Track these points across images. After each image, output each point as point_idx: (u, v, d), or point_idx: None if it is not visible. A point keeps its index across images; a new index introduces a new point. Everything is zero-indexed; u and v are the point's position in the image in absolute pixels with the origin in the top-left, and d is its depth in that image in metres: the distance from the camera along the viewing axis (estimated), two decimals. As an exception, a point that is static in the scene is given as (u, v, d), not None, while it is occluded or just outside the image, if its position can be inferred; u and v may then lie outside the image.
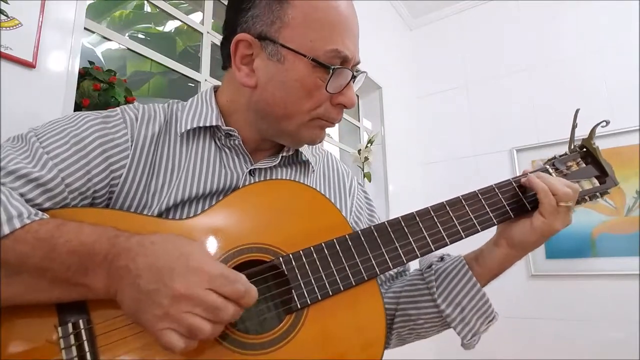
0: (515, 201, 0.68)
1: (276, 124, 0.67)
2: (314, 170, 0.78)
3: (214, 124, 0.67)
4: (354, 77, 0.66)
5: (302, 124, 0.66)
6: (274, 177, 0.71)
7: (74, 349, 0.47)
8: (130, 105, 0.68)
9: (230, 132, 0.67)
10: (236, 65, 0.66)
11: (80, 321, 0.48)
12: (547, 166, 0.72)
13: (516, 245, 0.67)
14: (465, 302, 0.67)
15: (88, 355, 0.47)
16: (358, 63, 0.68)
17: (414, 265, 0.77)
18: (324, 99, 0.65)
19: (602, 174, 0.72)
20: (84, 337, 0.47)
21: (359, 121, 2.75)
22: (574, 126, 0.75)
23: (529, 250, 0.67)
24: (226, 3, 0.72)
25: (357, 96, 2.67)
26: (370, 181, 2.57)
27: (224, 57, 0.70)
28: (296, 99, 0.64)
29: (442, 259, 0.74)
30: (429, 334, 0.73)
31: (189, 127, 0.66)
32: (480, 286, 0.68)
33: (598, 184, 0.72)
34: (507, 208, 0.67)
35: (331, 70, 0.62)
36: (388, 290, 0.77)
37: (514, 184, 0.69)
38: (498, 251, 0.68)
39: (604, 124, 0.74)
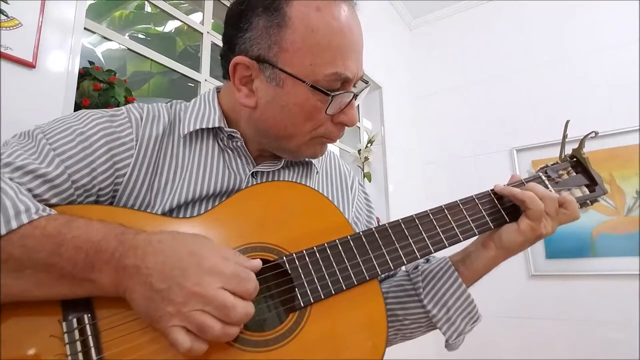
0: (510, 206, 0.70)
1: (276, 142, 0.67)
2: (317, 172, 0.78)
3: (216, 125, 0.67)
4: (355, 96, 0.64)
5: (302, 143, 0.66)
6: (276, 179, 0.71)
7: (78, 344, 0.47)
8: (135, 104, 0.68)
9: (233, 134, 0.68)
10: (235, 86, 0.65)
11: (85, 316, 0.49)
12: (540, 173, 0.75)
13: (504, 247, 0.68)
14: (451, 302, 0.68)
15: (92, 351, 0.47)
16: (361, 77, 0.66)
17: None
18: (324, 120, 0.64)
19: (592, 183, 0.75)
20: (89, 332, 0.48)
21: (359, 121, 2.76)
22: (564, 136, 0.78)
23: (516, 253, 0.69)
24: (226, 3, 0.71)
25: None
26: (370, 181, 2.57)
27: (224, 69, 0.69)
28: (296, 122, 0.63)
29: (427, 260, 0.75)
30: (414, 334, 0.74)
31: (191, 129, 0.66)
32: (465, 287, 0.69)
33: (588, 192, 0.74)
34: (503, 212, 0.69)
35: (330, 98, 0.61)
36: None
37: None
38: (486, 253, 0.69)
39: (593, 134, 0.76)
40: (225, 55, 0.67)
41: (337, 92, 0.61)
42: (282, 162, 0.72)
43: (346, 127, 0.68)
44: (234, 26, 0.64)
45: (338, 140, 0.71)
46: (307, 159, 0.75)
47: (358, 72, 0.64)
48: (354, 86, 0.65)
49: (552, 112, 2.58)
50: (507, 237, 0.67)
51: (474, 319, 0.70)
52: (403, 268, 0.78)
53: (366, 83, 0.69)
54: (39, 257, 0.47)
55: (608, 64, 2.48)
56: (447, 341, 0.70)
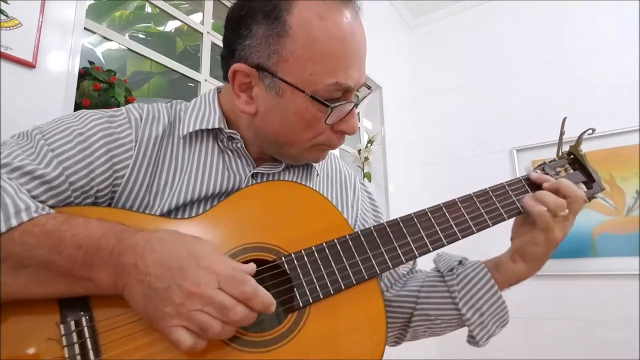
0: (509, 203, 0.70)
1: (277, 147, 0.68)
2: (318, 174, 0.78)
3: (216, 126, 0.66)
4: (356, 105, 0.64)
5: (303, 150, 0.66)
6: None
7: (76, 346, 0.47)
8: (135, 104, 0.67)
9: (233, 135, 0.67)
10: (235, 92, 0.65)
11: (83, 319, 0.49)
12: (538, 171, 0.75)
13: (530, 260, 0.68)
14: (485, 307, 0.69)
15: (90, 353, 0.47)
16: (364, 83, 0.65)
17: (422, 263, 0.78)
18: (324, 128, 0.64)
19: (589, 180, 0.75)
20: (87, 335, 0.48)
21: (359, 121, 2.75)
22: (562, 133, 0.78)
23: (542, 261, 0.69)
24: (226, 3, 0.71)
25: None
26: (370, 181, 2.57)
27: (224, 72, 0.68)
28: (296, 130, 0.63)
29: (460, 262, 0.75)
30: (444, 332, 0.76)
31: (191, 130, 0.66)
32: (500, 293, 0.70)
33: (586, 189, 0.74)
34: (501, 210, 0.69)
35: (330, 109, 0.60)
36: (403, 288, 0.78)
37: (507, 188, 0.71)
38: (515, 266, 0.69)
39: (590, 131, 0.77)
40: (225, 58, 0.67)
41: (337, 104, 0.61)
42: (283, 164, 0.72)
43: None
44: (233, 31, 0.64)
45: (338, 141, 0.71)
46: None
47: (360, 80, 0.63)
48: (358, 90, 0.65)
49: (552, 112, 2.58)
50: (528, 251, 0.68)
51: (505, 323, 0.72)
52: (433, 265, 0.79)
53: (369, 88, 0.69)
54: (39, 254, 0.47)
55: (608, 64, 2.48)
56: (475, 339, 0.70)
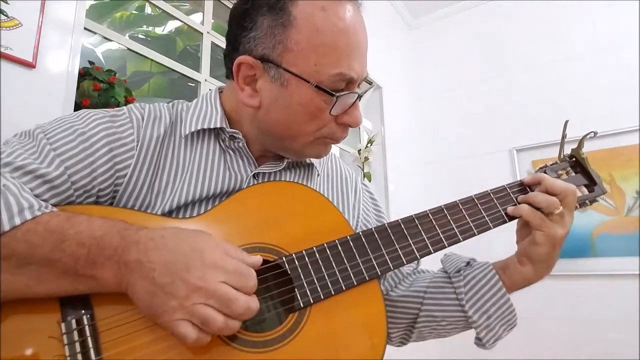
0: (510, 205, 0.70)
1: (280, 142, 0.67)
2: (319, 174, 0.78)
3: (218, 125, 0.66)
4: (359, 96, 0.64)
5: (306, 143, 0.66)
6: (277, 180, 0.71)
7: (77, 345, 0.47)
8: (136, 104, 0.68)
9: (235, 135, 0.67)
10: (239, 86, 0.65)
11: (84, 317, 0.49)
12: (539, 174, 0.74)
13: (537, 261, 0.68)
14: (493, 310, 0.68)
15: (91, 352, 0.47)
16: (365, 77, 0.66)
17: (427, 263, 0.78)
18: (328, 120, 0.64)
19: (591, 183, 0.75)
20: (88, 333, 0.48)
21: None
22: (564, 136, 0.78)
23: (549, 263, 0.68)
24: (226, 3, 0.71)
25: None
26: (370, 181, 2.57)
27: (228, 68, 0.69)
28: (300, 122, 0.63)
29: (468, 263, 0.74)
30: (450, 334, 0.75)
31: (193, 129, 0.66)
32: (508, 296, 0.69)
33: (587, 192, 0.74)
34: (502, 212, 0.69)
35: (335, 98, 0.61)
36: (409, 288, 0.78)
37: (508, 190, 0.71)
38: (523, 269, 0.69)
39: (592, 134, 0.77)
40: (228, 55, 0.67)
41: (342, 93, 0.61)
42: (284, 164, 0.72)
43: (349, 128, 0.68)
44: (238, 25, 0.64)
45: (338, 140, 0.71)
46: (309, 161, 0.76)
47: (362, 73, 0.64)
48: (358, 86, 0.65)
49: (552, 112, 2.58)
50: (531, 252, 0.67)
51: (512, 326, 0.71)
52: (441, 265, 0.78)
53: (370, 84, 0.69)
54: (42, 252, 0.47)
55: (608, 64, 2.48)
56: (481, 342, 0.70)
